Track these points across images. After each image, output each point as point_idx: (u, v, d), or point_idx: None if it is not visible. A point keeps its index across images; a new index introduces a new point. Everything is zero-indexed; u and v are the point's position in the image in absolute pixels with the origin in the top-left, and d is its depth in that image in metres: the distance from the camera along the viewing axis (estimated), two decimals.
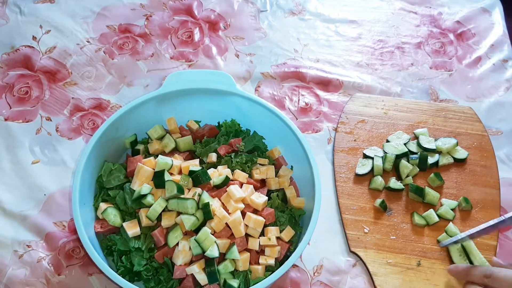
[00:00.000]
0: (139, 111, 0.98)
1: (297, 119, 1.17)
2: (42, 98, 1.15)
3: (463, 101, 1.22)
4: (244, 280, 0.88)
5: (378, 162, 1.07)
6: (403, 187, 1.05)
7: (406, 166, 1.06)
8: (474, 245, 0.97)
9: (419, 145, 1.10)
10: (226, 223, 0.88)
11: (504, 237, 1.04)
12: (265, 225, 0.92)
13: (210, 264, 0.85)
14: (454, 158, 1.10)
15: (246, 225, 0.90)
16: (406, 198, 1.05)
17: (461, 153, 1.10)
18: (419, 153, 1.08)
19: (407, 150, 1.08)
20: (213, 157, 0.98)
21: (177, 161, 0.95)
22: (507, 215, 0.91)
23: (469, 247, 0.97)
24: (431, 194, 1.04)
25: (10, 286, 0.92)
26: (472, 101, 1.22)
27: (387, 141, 1.12)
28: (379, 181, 1.05)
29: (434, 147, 1.09)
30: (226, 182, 0.92)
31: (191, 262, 0.88)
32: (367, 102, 1.19)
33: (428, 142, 1.10)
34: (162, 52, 1.25)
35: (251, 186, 0.94)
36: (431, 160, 1.09)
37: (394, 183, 1.05)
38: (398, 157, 1.08)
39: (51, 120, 1.12)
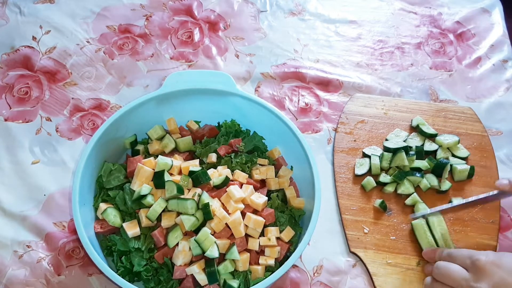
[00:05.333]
0: (139, 111, 0.98)
1: (297, 119, 1.17)
2: (42, 98, 1.15)
3: (463, 101, 1.22)
4: (244, 280, 0.88)
5: (375, 161, 1.07)
6: (392, 180, 1.05)
7: (403, 159, 1.06)
8: (442, 219, 0.99)
9: (420, 131, 1.12)
10: (226, 224, 0.88)
11: (504, 237, 1.04)
12: (265, 226, 0.92)
13: (210, 265, 0.85)
14: (455, 156, 1.10)
15: (246, 225, 0.90)
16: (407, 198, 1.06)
17: (462, 152, 1.10)
18: (414, 147, 1.09)
19: (406, 145, 1.09)
20: (213, 157, 0.98)
21: (177, 161, 0.95)
22: (476, 197, 0.96)
23: (433, 222, 0.99)
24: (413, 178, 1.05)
25: (10, 287, 0.92)
26: (472, 102, 1.22)
27: (386, 140, 1.12)
28: (370, 180, 1.06)
29: (434, 132, 1.11)
30: (226, 182, 0.92)
31: (191, 263, 0.88)
32: (367, 103, 1.19)
33: (428, 128, 1.12)
34: (162, 53, 1.25)
35: (251, 186, 0.94)
36: (429, 147, 1.09)
37: (383, 177, 1.06)
38: (397, 151, 1.07)
39: (51, 120, 1.12)
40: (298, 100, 1.19)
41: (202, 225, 0.88)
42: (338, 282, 0.97)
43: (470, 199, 0.97)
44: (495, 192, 0.94)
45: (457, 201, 1.00)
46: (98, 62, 1.22)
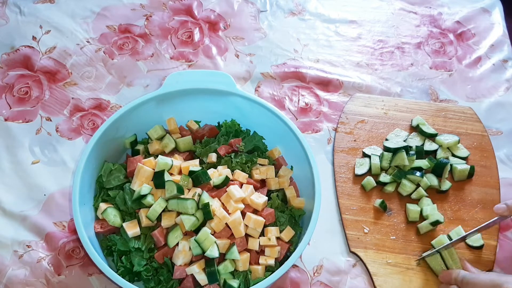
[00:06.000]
0: (139, 111, 0.98)
1: (297, 119, 1.17)
2: (42, 98, 1.15)
3: (463, 101, 1.22)
4: (244, 280, 0.88)
5: (375, 160, 1.07)
6: (392, 179, 1.05)
7: (403, 159, 1.06)
8: (454, 252, 0.97)
9: (420, 131, 1.12)
10: (226, 223, 0.88)
11: (504, 237, 1.04)
12: (265, 225, 0.92)
13: (210, 264, 0.85)
14: (455, 156, 1.10)
15: (246, 225, 0.90)
16: (407, 198, 1.05)
17: (462, 152, 1.10)
18: (414, 146, 1.09)
19: (406, 144, 1.09)
20: (213, 157, 0.98)
21: (177, 161, 0.95)
22: (489, 222, 0.95)
23: (446, 255, 0.97)
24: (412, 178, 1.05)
25: (10, 286, 0.93)
26: (472, 101, 1.22)
27: (387, 139, 1.12)
28: (370, 180, 1.06)
29: (434, 131, 1.11)
30: (226, 182, 0.92)
31: (191, 262, 0.88)
32: (367, 102, 1.19)
33: (428, 128, 1.12)
34: (162, 52, 1.25)
35: (251, 186, 0.94)
36: (429, 147, 1.09)
37: (383, 177, 1.06)
38: (397, 151, 1.07)
39: (51, 120, 1.12)
40: (298, 100, 1.19)
41: (202, 225, 0.88)
42: (338, 282, 0.97)
43: (472, 231, 0.96)
44: (496, 218, 0.94)
45: (457, 235, 0.98)
46: (98, 62, 1.22)
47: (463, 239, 0.97)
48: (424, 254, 0.98)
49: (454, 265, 0.96)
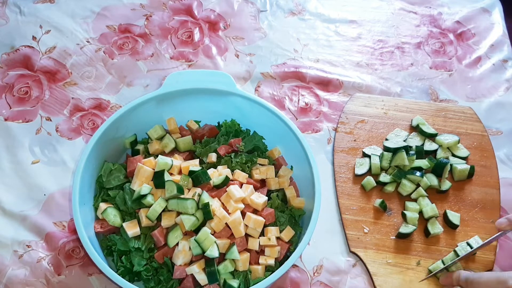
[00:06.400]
0: (139, 111, 0.98)
1: (297, 119, 1.17)
2: (42, 98, 1.15)
3: (463, 101, 1.22)
4: (244, 280, 0.88)
5: (375, 160, 1.07)
6: (392, 179, 1.05)
7: (403, 159, 1.06)
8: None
9: (420, 131, 1.12)
10: (226, 223, 0.88)
11: (504, 237, 1.03)
12: (265, 225, 0.92)
13: (210, 264, 0.85)
14: (455, 156, 1.10)
15: (246, 225, 0.90)
16: (407, 198, 1.05)
17: (462, 152, 1.10)
18: (414, 146, 1.09)
19: (406, 144, 1.09)
20: (213, 157, 0.98)
21: (177, 161, 0.95)
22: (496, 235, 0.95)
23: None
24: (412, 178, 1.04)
25: (10, 286, 0.93)
26: (472, 101, 1.22)
27: (386, 139, 1.12)
28: (370, 179, 1.06)
29: (434, 131, 1.11)
30: (226, 182, 0.92)
31: (191, 262, 0.88)
32: (367, 102, 1.19)
33: (428, 128, 1.12)
34: (162, 52, 1.25)
35: (251, 186, 0.94)
36: (429, 147, 1.09)
37: (383, 176, 1.06)
38: (397, 151, 1.07)
39: (51, 120, 1.12)
40: (298, 100, 1.19)
41: (202, 225, 0.88)
42: (338, 282, 0.97)
43: (477, 245, 0.96)
44: (499, 233, 0.95)
45: (464, 250, 0.97)
46: (98, 62, 1.22)
47: (471, 254, 0.97)
48: (434, 272, 0.96)
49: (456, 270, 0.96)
